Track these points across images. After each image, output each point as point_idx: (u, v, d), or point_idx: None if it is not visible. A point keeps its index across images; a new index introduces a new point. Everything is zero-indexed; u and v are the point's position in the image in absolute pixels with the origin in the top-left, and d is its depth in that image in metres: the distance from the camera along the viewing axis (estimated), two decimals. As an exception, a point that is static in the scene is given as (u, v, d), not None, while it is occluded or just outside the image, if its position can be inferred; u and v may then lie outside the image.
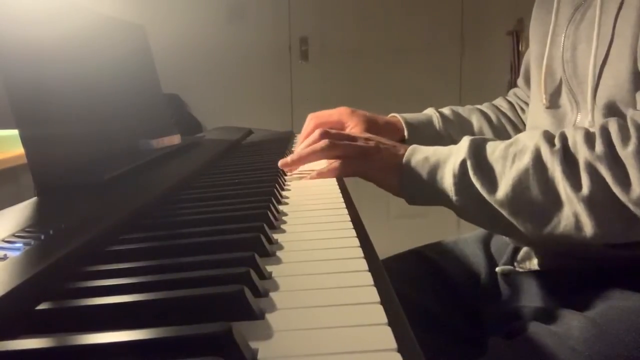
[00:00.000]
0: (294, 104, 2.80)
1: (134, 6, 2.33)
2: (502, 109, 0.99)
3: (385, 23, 2.77)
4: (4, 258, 0.36)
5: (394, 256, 0.90)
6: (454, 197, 0.64)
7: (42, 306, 0.31)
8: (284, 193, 0.65)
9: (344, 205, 0.57)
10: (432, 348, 0.73)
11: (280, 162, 0.75)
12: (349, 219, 0.51)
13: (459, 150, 0.65)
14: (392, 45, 2.78)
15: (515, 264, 0.78)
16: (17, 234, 0.42)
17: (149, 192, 0.59)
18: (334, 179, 0.71)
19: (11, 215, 0.49)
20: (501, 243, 0.83)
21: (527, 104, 0.98)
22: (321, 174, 0.72)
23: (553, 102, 0.75)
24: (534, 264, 0.76)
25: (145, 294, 0.31)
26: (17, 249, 0.38)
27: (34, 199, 0.56)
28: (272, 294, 0.34)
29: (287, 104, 2.81)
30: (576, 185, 0.57)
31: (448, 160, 0.66)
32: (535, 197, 0.60)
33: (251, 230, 0.44)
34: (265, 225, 0.45)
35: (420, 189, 0.67)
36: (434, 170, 0.66)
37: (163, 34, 2.22)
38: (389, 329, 0.28)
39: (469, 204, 0.64)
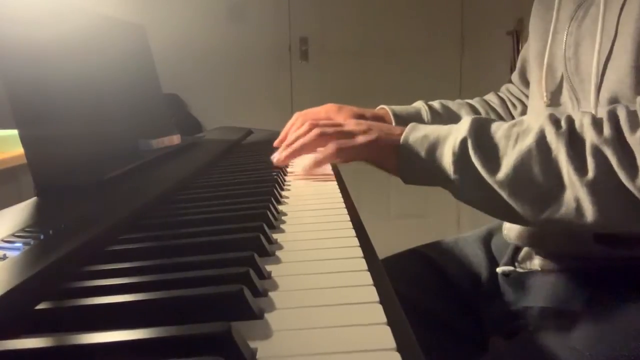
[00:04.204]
0: (294, 104, 2.80)
1: (134, 6, 2.33)
2: (492, 104, 0.99)
3: (385, 23, 2.77)
4: (4, 258, 0.36)
5: (393, 256, 0.90)
6: (452, 176, 0.63)
7: (41, 306, 0.31)
8: (283, 193, 0.65)
9: (343, 205, 0.57)
10: (432, 347, 0.73)
11: (274, 160, 0.74)
12: (349, 218, 0.51)
13: (460, 129, 0.64)
14: (392, 46, 2.78)
15: (516, 264, 0.78)
16: (16, 234, 0.42)
17: (149, 192, 0.59)
18: (334, 179, 0.71)
19: (11, 215, 0.49)
20: (502, 243, 0.83)
21: (519, 100, 0.98)
22: (318, 162, 0.70)
23: (554, 99, 0.74)
24: (534, 264, 0.76)
25: (145, 293, 0.31)
26: (17, 249, 0.38)
27: (34, 199, 0.56)
28: (271, 294, 0.34)
29: (287, 104, 2.80)
30: (581, 168, 0.56)
31: (448, 138, 0.64)
32: (536, 178, 0.58)
33: (251, 230, 0.44)
34: (264, 225, 0.45)
35: (418, 168, 0.66)
36: (433, 147, 0.65)
37: (163, 34, 2.22)
38: (388, 329, 0.28)
39: (468, 184, 0.62)
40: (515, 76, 0.98)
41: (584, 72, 0.68)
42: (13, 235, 0.41)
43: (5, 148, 1.24)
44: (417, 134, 0.66)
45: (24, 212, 0.51)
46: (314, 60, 2.79)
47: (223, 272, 0.34)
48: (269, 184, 0.64)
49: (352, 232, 0.46)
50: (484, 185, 0.61)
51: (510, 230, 0.78)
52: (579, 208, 0.57)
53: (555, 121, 0.60)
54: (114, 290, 0.33)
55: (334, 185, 0.68)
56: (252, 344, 0.27)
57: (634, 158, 0.54)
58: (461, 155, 0.62)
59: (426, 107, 0.94)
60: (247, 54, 2.74)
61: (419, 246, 0.90)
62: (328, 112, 0.92)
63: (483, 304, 0.79)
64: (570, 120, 0.59)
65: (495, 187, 0.60)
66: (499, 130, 0.62)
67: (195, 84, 2.74)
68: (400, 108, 0.94)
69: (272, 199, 0.56)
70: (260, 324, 0.30)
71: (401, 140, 0.66)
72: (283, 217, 0.53)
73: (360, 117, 0.90)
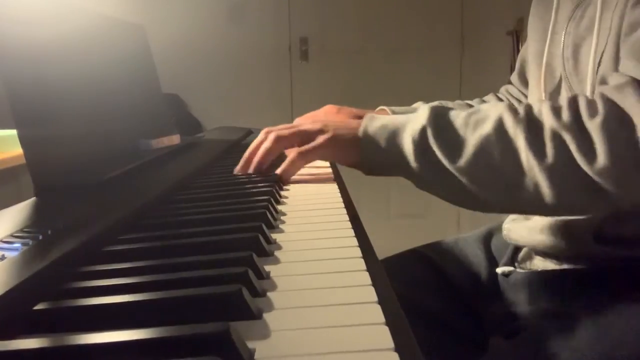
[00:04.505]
0: (294, 104, 2.80)
1: (134, 6, 2.33)
2: None
3: (385, 23, 2.77)
4: (2, 258, 0.36)
5: (393, 256, 0.90)
6: (413, 164, 0.63)
7: (40, 306, 0.31)
8: (282, 193, 0.65)
9: (342, 205, 0.57)
10: (432, 347, 0.73)
11: (237, 170, 0.74)
12: (348, 218, 0.51)
13: (418, 117, 0.64)
14: (392, 45, 2.78)
15: (516, 264, 0.78)
16: (15, 234, 0.42)
17: (149, 192, 0.59)
18: (334, 180, 0.71)
19: (10, 216, 0.49)
20: (502, 243, 0.83)
21: (518, 100, 0.98)
22: (286, 172, 0.70)
23: (553, 99, 0.74)
24: (534, 264, 0.76)
25: (144, 294, 0.31)
26: (15, 250, 0.38)
27: (33, 199, 0.56)
28: (270, 294, 0.34)
29: (287, 104, 2.81)
30: (539, 153, 0.56)
31: (407, 126, 0.64)
32: (496, 164, 0.59)
33: (249, 230, 0.44)
34: (263, 225, 0.45)
35: (378, 158, 0.66)
36: (393, 136, 0.64)
37: (163, 34, 2.22)
38: (386, 329, 0.28)
39: (429, 172, 0.62)
40: (514, 77, 0.98)
41: (582, 72, 0.68)
42: (12, 235, 0.41)
43: (5, 148, 1.25)
44: (375, 124, 0.66)
45: (22, 212, 0.51)
46: (314, 60, 2.79)
47: (222, 272, 0.34)
48: (268, 183, 0.64)
49: (351, 232, 0.46)
50: (444, 173, 0.61)
51: (510, 231, 0.78)
52: (538, 193, 0.57)
53: (513, 109, 0.60)
54: (112, 291, 0.33)
55: (333, 186, 0.68)
56: (251, 344, 0.27)
57: (592, 142, 0.54)
58: (421, 143, 0.62)
59: None
60: (247, 54, 2.74)
61: (419, 246, 0.90)
62: (327, 114, 0.92)
63: (483, 304, 0.79)
64: (528, 108, 0.60)
65: (456, 174, 0.60)
66: (457, 118, 0.63)
67: (195, 84, 2.74)
68: (400, 109, 0.94)
69: (271, 199, 0.56)
70: (258, 324, 0.30)
71: (360, 132, 0.66)
72: (282, 217, 0.53)
73: (359, 118, 0.90)
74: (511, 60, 2.62)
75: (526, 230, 0.74)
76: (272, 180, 0.67)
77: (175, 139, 0.92)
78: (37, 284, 0.33)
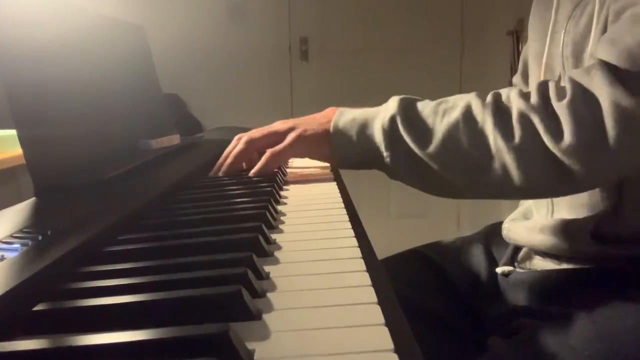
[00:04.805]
0: (294, 104, 2.80)
1: (134, 6, 2.33)
2: None
3: (385, 23, 2.77)
4: (2, 259, 0.36)
5: (393, 256, 0.90)
6: (384, 153, 0.64)
7: (39, 307, 0.31)
8: (282, 193, 0.65)
9: (342, 205, 0.57)
10: (431, 347, 0.73)
11: (211, 175, 0.75)
12: (348, 219, 0.51)
13: (388, 108, 0.65)
14: (392, 45, 2.77)
15: (516, 264, 0.78)
16: (14, 235, 0.41)
17: (148, 193, 0.59)
18: (333, 180, 0.71)
19: (9, 216, 0.49)
20: (501, 243, 0.83)
21: None
22: (259, 173, 0.71)
23: None
24: (534, 264, 0.76)
25: (143, 294, 0.31)
26: (15, 250, 0.38)
27: (33, 199, 0.56)
28: (269, 295, 0.34)
29: (287, 104, 2.80)
30: (507, 135, 0.58)
31: (376, 117, 0.65)
32: (465, 149, 0.60)
33: (249, 231, 0.44)
34: (263, 225, 0.45)
35: (350, 151, 0.67)
36: (363, 128, 0.66)
37: (163, 34, 2.22)
38: (386, 330, 0.28)
39: (400, 160, 0.63)
40: (517, 77, 0.98)
41: None
42: (11, 236, 0.41)
43: (5, 148, 1.24)
44: (345, 118, 0.67)
45: (22, 212, 0.51)
46: (314, 60, 2.79)
47: (221, 273, 0.34)
48: (267, 184, 0.64)
49: (351, 233, 0.46)
50: (415, 160, 0.62)
51: (510, 230, 0.78)
52: (506, 174, 0.58)
53: (481, 97, 0.62)
54: (112, 291, 0.33)
55: (333, 186, 0.68)
56: (250, 345, 0.27)
57: (559, 123, 0.56)
58: (391, 132, 0.63)
59: None
60: (247, 54, 2.74)
61: (419, 246, 0.90)
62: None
63: (483, 304, 0.79)
64: (496, 94, 0.61)
65: (427, 160, 0.62)
66: (426, 107, 0.64)
67: (195, 84, 2.74)
68: None
69: (271, 199, 0.56)
70: (258, 325, 0.30)
71: (331, 127, 0.67)
72: (282, 218, 0.53)
73: None
74: (511, 61, 2.62)
75: (525, 230, 0.74)
76: (271, 180, 0.67)
77: (175, 139, 0.92)
78: (36, 284, 0.33)
